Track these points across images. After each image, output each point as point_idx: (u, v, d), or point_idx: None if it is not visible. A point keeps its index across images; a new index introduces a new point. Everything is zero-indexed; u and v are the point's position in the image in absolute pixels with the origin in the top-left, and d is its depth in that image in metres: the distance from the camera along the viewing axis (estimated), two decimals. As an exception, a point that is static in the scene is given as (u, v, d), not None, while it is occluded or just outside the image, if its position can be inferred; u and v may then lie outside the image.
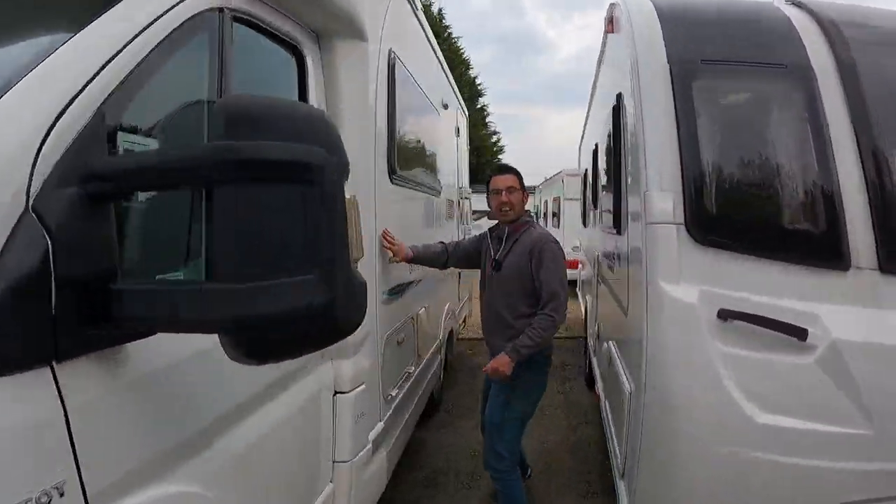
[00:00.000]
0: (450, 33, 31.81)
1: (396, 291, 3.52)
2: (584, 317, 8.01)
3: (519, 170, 3.45)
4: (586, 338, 7.16)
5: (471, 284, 10.27)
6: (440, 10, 32.28)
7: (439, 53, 5.77)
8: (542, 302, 3.11)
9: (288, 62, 2.44)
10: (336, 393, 2.63)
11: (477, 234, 3.82)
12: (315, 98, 2.52)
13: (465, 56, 32.63)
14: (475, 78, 33.15)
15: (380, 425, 3.03)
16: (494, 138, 34.89)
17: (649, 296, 2.42)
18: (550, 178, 16.79)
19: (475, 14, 76.95)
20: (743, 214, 2.44)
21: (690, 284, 2.36)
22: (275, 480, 2.11)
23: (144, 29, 1.47)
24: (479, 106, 33.30)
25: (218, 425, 1.75)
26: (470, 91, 31.84)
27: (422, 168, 4.63)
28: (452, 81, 6.88)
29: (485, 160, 32.80)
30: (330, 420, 2.60)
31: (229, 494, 1.75)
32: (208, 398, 1.70)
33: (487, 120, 34.38)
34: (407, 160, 4.05)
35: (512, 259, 3.26)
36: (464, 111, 8.02)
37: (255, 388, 1.98)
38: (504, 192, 3.33)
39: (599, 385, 4.74)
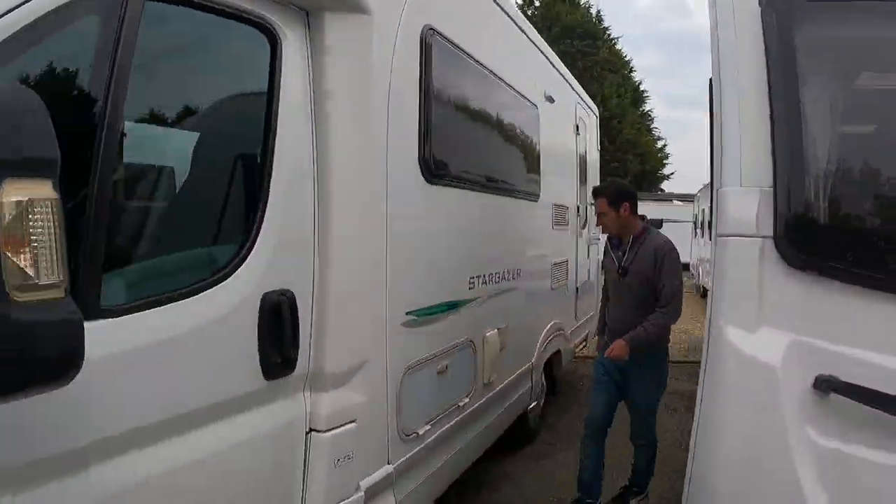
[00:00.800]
0: (609, 35, 30.38)
1: (433, 312, 2.94)
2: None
3: (615, 184, 4.11)
4: None
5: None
6: (598, 11, 30.96)
7: (539, 42, 5.10)
8: (661, 302, 3.47)
9: (249, 48, 2.04)
10: (311, 430, 2.15)
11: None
12: (292, 91, 2.09)
13: (626, 58, 30.94)
14: (639, 84, 31.29)
15: (384, 470, 2.48)
16: (660, 144, 32.65)
17: (710, 346, 1.62)
18: (707, 184, 15.13)
19: (639, 16, 73.33)
20: (870, 227, 1.57)
21: (776, 332, 1.54)
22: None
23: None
24: (643, 111, 31.38)
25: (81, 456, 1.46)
26: (633, 96, 30.11)
27: (499, 168, 4.02)
28: (566, 74, 6.14)
29: (650, 166, 30.78)
30: (301, 462, 2.12)
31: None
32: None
33: (652, 126, 32.27)
34: (467, 159, 3.48)
35: (636, 265, 3.58)
36: (590, 109, 7.19)
37: (148, 415, 1.63)
38: (598, 218, 3.82)
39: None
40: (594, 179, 7.45)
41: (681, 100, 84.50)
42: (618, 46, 30.94)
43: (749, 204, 1.62)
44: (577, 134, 6.41)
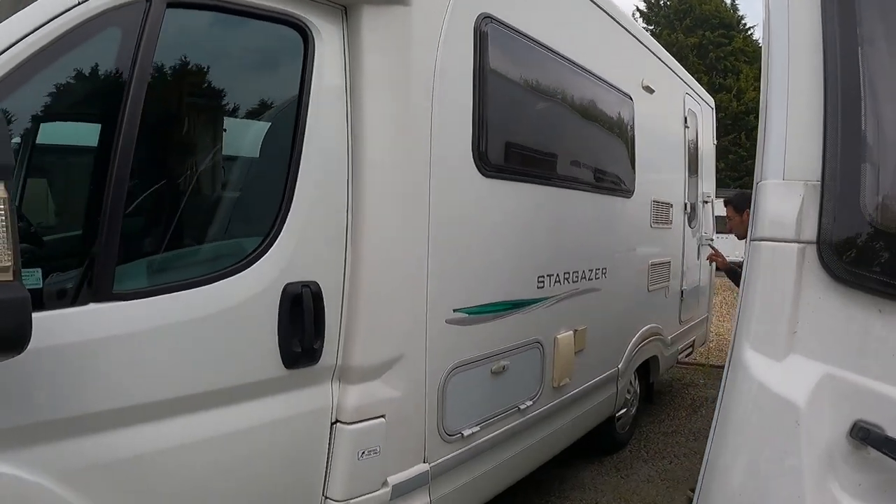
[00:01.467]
0: (744, 24, 28.13)
1: (488, 310, 2.83)
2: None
3: (739, 194, 4.61)
4: None
5: (718, 303, 8.72)
6: (733, 0, 28.73)
7: (636, 30, 4.76)
8: None
9: (281, 44, 2.06)
10: (337, 422, 2.14)
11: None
12: (325, 84, 2.09)
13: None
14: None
15: (418, 468, 2.41)
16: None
17: (729, 371, 1.37)
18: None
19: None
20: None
21: (807, 361, 1.27)
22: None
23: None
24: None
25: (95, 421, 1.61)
26: (772, 86, 27.69)
27: (577, 162, 3.79)
28: (672, 64, 5.70)
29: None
30: (325, 451, 2.12)
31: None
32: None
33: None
34: (535, 152, 3.31)
35: None
36: (702, 100, 6.63)
37: (166, 390, 1.74)
38: (727, 221, 4.58)
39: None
40: (709, 175, 6.89)
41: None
42: (755, 36, 28.63)
43: (790, 201, 1.33)
44: (686, 127, 5.94)
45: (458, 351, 2.67)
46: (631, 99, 4.50)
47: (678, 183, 5.80)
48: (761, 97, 1.59)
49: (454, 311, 2.62)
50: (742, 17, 28.46)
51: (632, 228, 4.65)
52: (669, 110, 5.58)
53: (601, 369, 4.22)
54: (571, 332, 3.66)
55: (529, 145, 3.24)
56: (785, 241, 1.35)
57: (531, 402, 3.25)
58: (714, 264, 5.98)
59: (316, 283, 2.03)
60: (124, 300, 1.67)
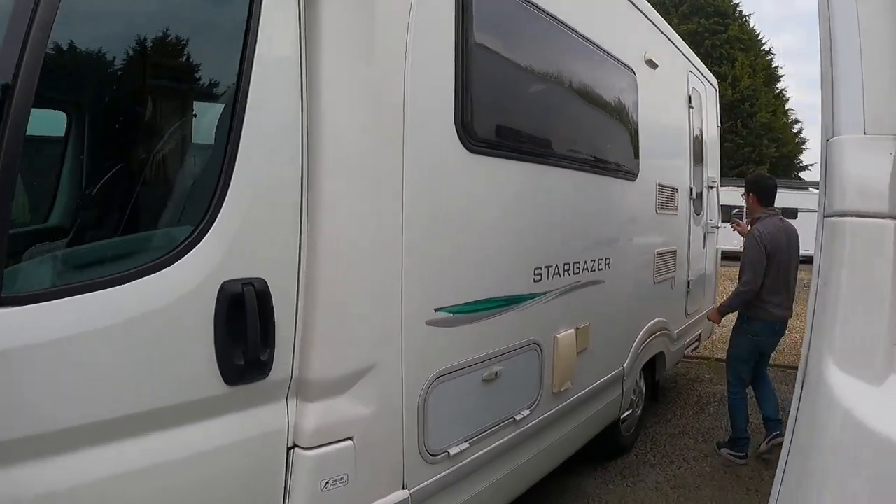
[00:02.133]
0: (740, 12, 27.69)
1: (478, 308, 2.45)
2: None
3: (752, 176, 5.06)
4: None
5: (720, 293, 8.37)
6: (730, -13, 28.26)
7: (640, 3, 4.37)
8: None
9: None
10: (294, 447, 1.76)
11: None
12: (274, 43, 1.70)
13: (759, 36, 28.07)
14: (770, 60, 28.29)
15: (396, 496, 2.02)
16: (796, 128, 29.38)
17: (804, 391, 0.99)
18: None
19: None
20: None
21: None
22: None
23: None
24: (777, 91, 28.37)
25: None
26: (766, 75, 27.30)
27: (577, 139, 3.40)
28: (676, 39, 5.30)
29: (786, 151, 27.83)
30: (282, 482, 1.74)
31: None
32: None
33: (787, 108, 29.07)
34: (531, 126, 2.92)
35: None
36: (706, 80, 6.24)
37: (73, 415, 1.36)
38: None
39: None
40: (713, 159, 6.51)
41: (816, 82, 75.51)
42: (750, 24, 28.19)
43: (878, 162, 0.98)
44: (691, 107, 5.55)
45: (441, 357, 2.28)
46: (633, 72, 4.11)
47: (683, 166, 5.41)
48: (820, 34, 1.21)
49: (436, 310, 2.23)
50: (738, 5, 27.97)
51: (636, 214, 4.27)
52: (673, 88, 5.19)
53: (606, 370, 3.84)
54: (573, 330, 3.28)
55: (523, 117, 2.84)
56: (873, 216, 0.97)
57: (528, 412, 2.87)
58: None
59: (262, 281, 1.64)
60: (16, 305, 1.29)
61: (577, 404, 3.43)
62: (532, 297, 2.87)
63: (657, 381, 5.40)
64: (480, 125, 2.45)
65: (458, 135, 2.32)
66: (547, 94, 3.07)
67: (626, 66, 3.99)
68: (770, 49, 28.39)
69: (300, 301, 1.75)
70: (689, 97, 5.53)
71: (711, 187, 6.37)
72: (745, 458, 4.49)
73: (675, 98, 5.22)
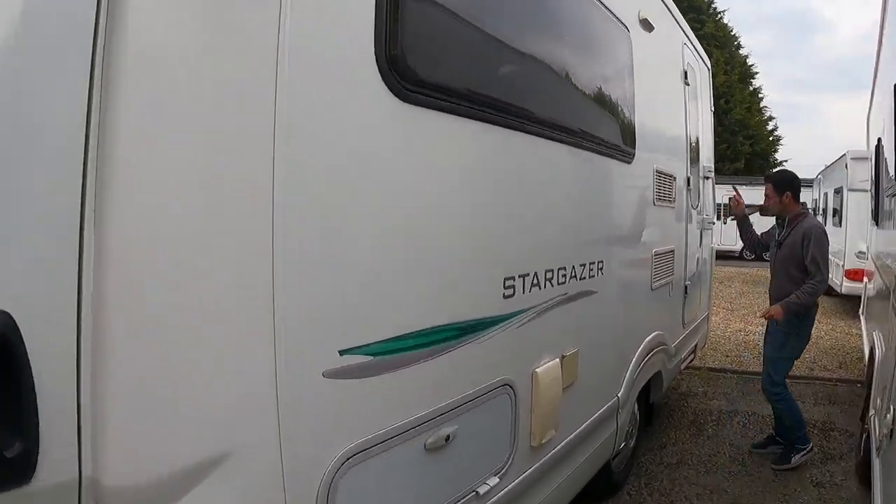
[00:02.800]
0: (715, 8, 27.35)
1: (412, 345, 1.55)
2: (867, 360, 4.97)
3: (782, 172, 4.85)
4: (867, 406, 4.32)
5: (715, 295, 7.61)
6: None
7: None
8: (811, 274, 4.07)
9: None
10: None
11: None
12: None
13: (733, 33, 27.76)
14: (746, 57, 27.99)
15: None
16: (771, 125, 29.10)
17: None
18: (831, 164, 12.52)
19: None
20: None
21: None
22: None
23: None
24: (752, 88, 28.08)
25: None
26: (741, 72, 26.96)
27: (561, 102, 2.52)
28: (670, 4, 4.47)
29: (760, 148, 27.53)
30: None
31: None
32: None
33: (762, 105, 28.78)
34: (496, 74, 2.03)
35: (789, 241, 4.21)
36: (700, 57, 5.43)
37: None
38: (765, 199, 4.41)
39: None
40: (708, 147, 5.71)
41: (788, 82, 76.62)
42: (724, 20, 27.87)
43: None
44: (686, 84, 4.73)
45: (354, 425, 1.38)
46: (627, 30, 3.25)
47: (680, 152, 4.58)
48: None
49: (342, 352, 1.33)
50: (713, 2, 27.60)
51: (633, 205, 3.42)
52: (669, 59, 4.36)
53: (597, 404, 2.96)
54: (557, 359, 2.40)
55: (487, 58, 1.94)
56: None
57: (497, 479, 1.98)
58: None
59: (8, 317, 0.74)
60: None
61: (563, 455, 2.54)
62: (501, 319, 1.98)
63: (652, 403, 4.57)
64: (419, 61, 1.55)
65: (382, 75, 1.42)
66: (522, 34, 2.17)
67: (619, 20, 3.13)
68: (744, 46, 28.09)
69: (82, 351, 0.85)
70: (685, 73, 4.70)
71: (707, 178, 5.56)
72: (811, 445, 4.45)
73: (670, 70, 4.38)
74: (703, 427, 5.19)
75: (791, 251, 4.15)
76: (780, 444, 4.48)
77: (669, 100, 4.29)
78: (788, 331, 4.20)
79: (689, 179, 4.70)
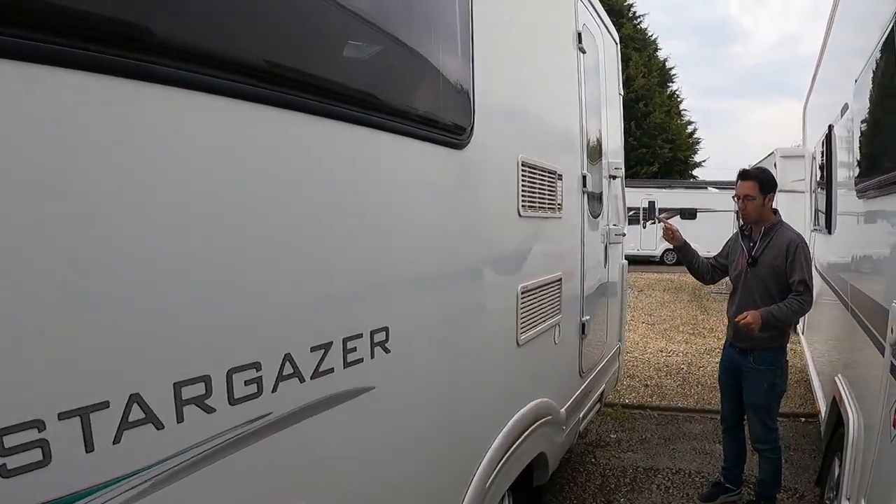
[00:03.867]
0: (634, 12, 27.13)
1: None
2: (824, 412, 3.84)
3: (767, 171, 3.48)
4: (824, 475, 3.36)
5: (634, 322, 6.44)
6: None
7: None
8: (795, 290, 3.20)
9: None
10: None
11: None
12: None
13: (652, 37, 27.60)
14: (665, 61, 27.86)
15: None
16: (690, 128, 29.07)
17: None
18: (758, 163, 11.76)
19: (669, 6, 69.48)
20: None
21: None
22: None
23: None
24: (671, 91, 27.96)
25: None
26: (660, 76, 26.73)
27: (318, 51, 1.12)
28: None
29: (680, 153, 27.32)
30: None
31: None
32: None
33: (682, 108, 28.71)
34: None
35: (767, 255, 3.31)
36: (604, 27, 4.16)
37: None
38: (742, 200, 3.35)
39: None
40: (616, 137, 4.47)
41: (706, 89, 79.39)
42: (643, 25, 27.66)
43: None
44: (581, 49, 3.44)
45: None
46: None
47: (571, 139, 3.27)
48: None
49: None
50: (631, 5, 27.26)
51: (470, 217, 2.04)
52: (549, 9, 3.05)
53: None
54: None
55: None
56: None
57: None
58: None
59: None
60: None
61: None
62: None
63: (538, 488, 3.24)
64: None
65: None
66: None
67: None
68: (662, 49, 27.93)
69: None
70: (579, 35, 3.41)
71: (614, 177, 4.32)
72: None
73: (551, 25, 3.07)
74: (613, 496, 3.95)
75: (770, 268, 3.29)
76: (733, 492, 3.76)
77: (549, 65, 2.97)
78: (774, 367, 3.35)
79: (585, 179, 3.41)
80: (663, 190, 20.23)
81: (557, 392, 2.99)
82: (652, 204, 19.39)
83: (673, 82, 28.04)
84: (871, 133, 2.66)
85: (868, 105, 2.60)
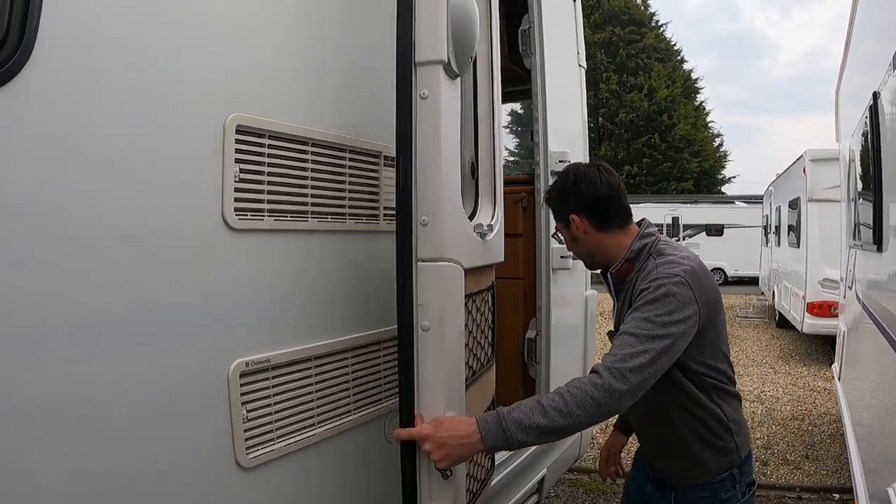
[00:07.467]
0: (656, 21, 25.68)
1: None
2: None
3: (560, 179, 1.71)
4: None
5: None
6: (645, -1, 26.05)
7: None
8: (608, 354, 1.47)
9: None
10: None
11: None
12: None
13: (676, 46, 26.03)
14: (690, 72, 26.17)
15: None
16: (717, 142, 27.11)
17: None
18: (784, 172, 10.08)
19: (688, 17, 67.48)
20: None
21: None
22: None
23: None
24: (697, 103, 26.22)
25: None
26: (684, 87, 25.00)
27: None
28: None
29: (709, 166, 25.37)
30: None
31: None
32: None
33: (708, 121, 26.85)
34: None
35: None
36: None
37: None
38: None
39: None
40: (567, 113, 3.12)
41: (734, 104, 76.27)
42: (667, 34, 26.09)
43: None
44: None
45: None
46: None
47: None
48: None
49: None
50: (654, 14, 25.71)
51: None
52: None
53: None
54: None
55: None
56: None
57: None
58: None
59: None
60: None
61: None
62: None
63: None
64: None
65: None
66: None
67: None
68: (684, 58, 26.20)
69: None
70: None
71: (563, 161, 2.93)
72: None
73: None
74: None
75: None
76: None
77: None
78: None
79: (474, 165, 2.03)
80: (688, 205, 18.49)
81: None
82: (676, 220, 17.69)
83: (699, 94, 26.30)
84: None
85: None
